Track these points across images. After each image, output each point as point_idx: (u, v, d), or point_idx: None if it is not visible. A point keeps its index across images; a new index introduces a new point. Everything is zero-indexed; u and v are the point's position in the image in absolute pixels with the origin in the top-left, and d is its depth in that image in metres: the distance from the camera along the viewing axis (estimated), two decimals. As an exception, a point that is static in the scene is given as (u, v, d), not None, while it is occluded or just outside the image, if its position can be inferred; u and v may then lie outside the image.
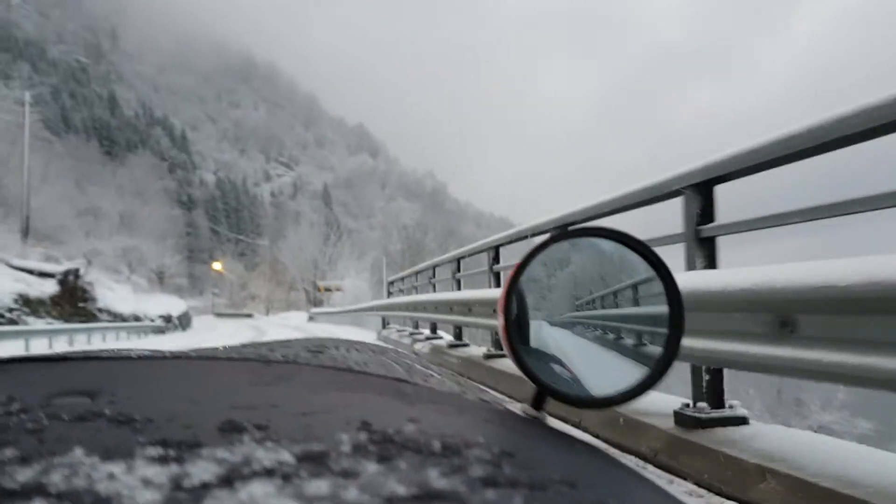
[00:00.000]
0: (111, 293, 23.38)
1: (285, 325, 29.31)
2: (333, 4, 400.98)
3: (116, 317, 21.20)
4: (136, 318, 21.91)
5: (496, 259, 7.22)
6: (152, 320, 22.54)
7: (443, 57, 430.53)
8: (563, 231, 0.62)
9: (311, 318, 40.34)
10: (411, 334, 11.07)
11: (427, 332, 10.41)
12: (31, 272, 19.16)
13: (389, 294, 15.91)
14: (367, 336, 13.25)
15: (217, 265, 75.65)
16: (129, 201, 46.83)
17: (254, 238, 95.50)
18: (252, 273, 80.00)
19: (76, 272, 20.24)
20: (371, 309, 16.20)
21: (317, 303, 52.93)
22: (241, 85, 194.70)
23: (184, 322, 27.07)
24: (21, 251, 21.75)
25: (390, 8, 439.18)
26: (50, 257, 23.25)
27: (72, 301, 19.55)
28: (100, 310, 20.74)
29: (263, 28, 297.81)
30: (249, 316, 57.39)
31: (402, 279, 14.16)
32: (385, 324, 14.92)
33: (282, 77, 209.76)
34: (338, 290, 52.16)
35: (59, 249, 28.05)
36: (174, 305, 27.35)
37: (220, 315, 57.45)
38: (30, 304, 17.96)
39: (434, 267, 10.66)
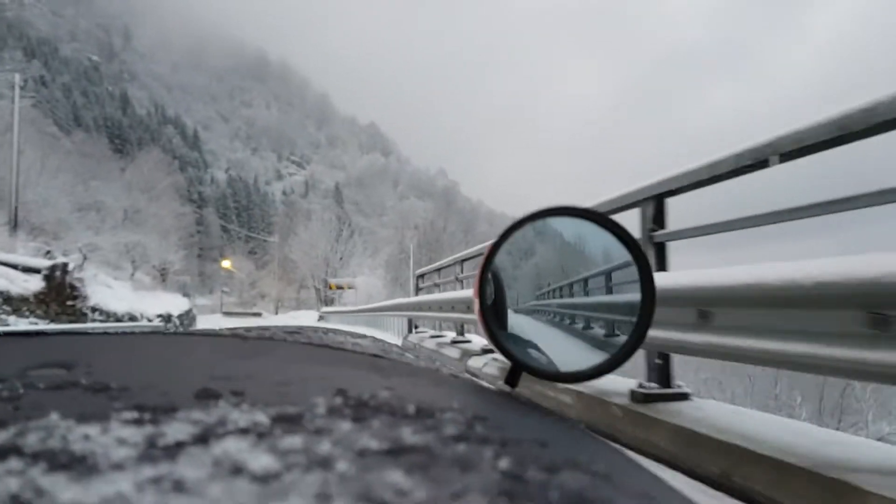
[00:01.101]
0: (107, 290, 21.75)
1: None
2: (347, 4, 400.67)
3: (109, 316, 19.53)
4: (132, 318, 20.19)
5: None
6: (150, 320, 20.81)
7: (455, 56, 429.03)
8: (539, 210, 0.63)
9: (321, 318, 38.47)
10: (455, 342, 8.27)
11: (483, 341, 7.30)
12: (14, 267, 17.47)
13: (418, 290, 13.14)
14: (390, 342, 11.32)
15: (226, 263, 74.19)
16: (135, 197, 45.34)
17: (265, 236, 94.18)
18: (262, 271, 78.59)
19: (64, 267, 18.52)
20: (394, 309, 13.65)
21: (328, 301, 50.79)
22: (254, 84, 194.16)
23: (186, 322, 25.33)
24: (9, 244, 20.10)
25: (404, 8, 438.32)
26: (43, 251, 21.59)
27: (59, 299, 17.86)
28: (91, 308, 19.04)
29: (277, 27, 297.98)
30: (258, 315, 55.85)
31: (439, 271, 11.40)
32: (413, 326, 12.58)
33: (295, 76, 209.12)
34: (350, 287, 49.99)
35: (57, 244, 26.47)
36: (176, 304, 25.63)
37: (228, 314, 56.10)
38: (11, 302, 16.32)
39: (494, 247, 7.88)
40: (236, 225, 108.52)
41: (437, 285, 11.47)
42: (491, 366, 5.83)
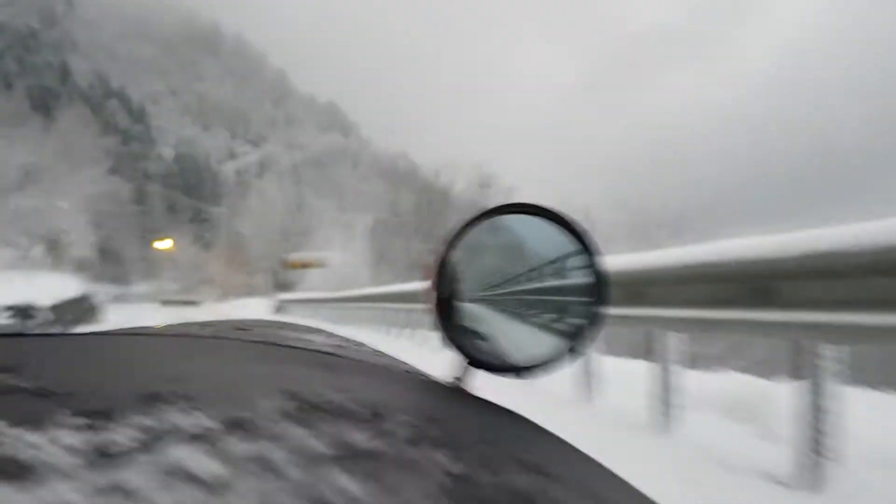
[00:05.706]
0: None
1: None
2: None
3: None
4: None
5: None
6: (-11, 314, 12.63)
7: (417, 34, 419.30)
8: (494, 207, 0.65)
9: (279, 310, 29.27)
10: None
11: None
12: None
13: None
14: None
15: (163, 244, 65.18)
16: (48, 159, 36.45)
17: (211, 206, 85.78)
18: (209, 254, 70.32)
19: None
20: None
21: (284, 286, 39.11)
22: (206, 57, 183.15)
23: (71, 316, 16.75)
24: None
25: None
26: None
27: None
28: None
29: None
30: (193, 304, 47.61)
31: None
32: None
33: (250, 50, 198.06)
34: (320, 266, 39.64)
35: None
36: (56, 289, 16.72)
37: (166, 303, 48.04)
38: None
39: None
40: (184, 200, 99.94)
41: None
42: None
